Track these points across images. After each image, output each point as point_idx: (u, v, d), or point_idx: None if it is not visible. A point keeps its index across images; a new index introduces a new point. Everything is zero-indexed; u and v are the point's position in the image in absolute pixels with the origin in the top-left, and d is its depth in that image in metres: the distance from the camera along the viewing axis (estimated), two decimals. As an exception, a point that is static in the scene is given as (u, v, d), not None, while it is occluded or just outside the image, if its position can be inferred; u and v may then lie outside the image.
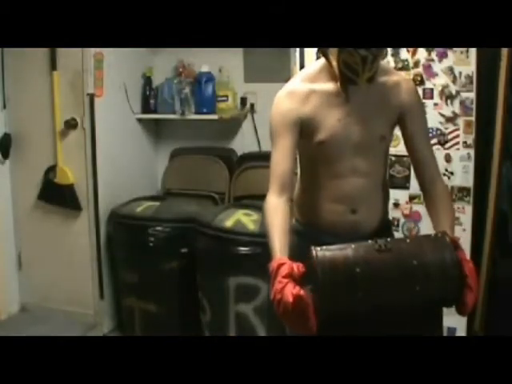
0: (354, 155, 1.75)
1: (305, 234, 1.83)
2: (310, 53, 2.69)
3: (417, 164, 1.79)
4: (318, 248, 1.49)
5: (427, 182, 1.76)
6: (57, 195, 3.32)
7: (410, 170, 2.64)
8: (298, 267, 1.53)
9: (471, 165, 2.62)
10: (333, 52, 1.66)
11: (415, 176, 1.82)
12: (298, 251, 1.82)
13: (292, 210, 1.84)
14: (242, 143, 3.59)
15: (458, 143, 2.62)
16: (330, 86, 1.74)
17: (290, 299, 1.46)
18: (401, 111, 1.76)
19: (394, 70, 1.93)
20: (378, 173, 1.83)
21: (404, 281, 1.45)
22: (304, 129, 1.77)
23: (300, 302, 1.45)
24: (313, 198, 1.83)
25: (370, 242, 1.51)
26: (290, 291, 1.47)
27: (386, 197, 1.89)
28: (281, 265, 1.57)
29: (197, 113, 3.46)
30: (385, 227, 1.87)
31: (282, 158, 1.79)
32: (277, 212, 1.68)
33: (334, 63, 1.67)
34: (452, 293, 1.48)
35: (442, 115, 2.60)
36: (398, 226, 2.71)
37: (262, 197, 3.36)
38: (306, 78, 1.80)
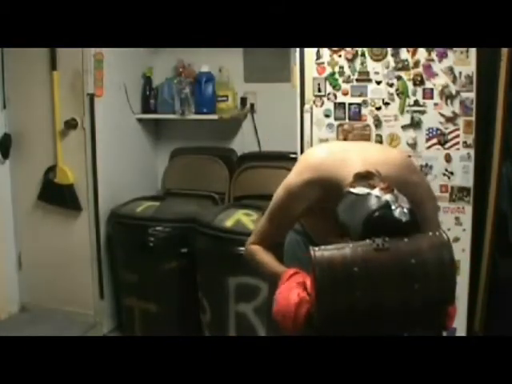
0: None
1: (303, 233, 1.85)
2: (310, 53, 2.69)
3: None
4: (316, 248, 1.49)
5: None
6: (57, 195, 3.32)
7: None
8: (309, 283, 1.52)
9: (471, 165, 2.62)
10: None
11: None
12: (297, 246, 1.84)
13: None
14: (242, 143, 3.59)
15: (458, 143, 2.62)
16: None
17: (296, 299, 1.51)
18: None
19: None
20: None
21: (402, 279, 1.45)
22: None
23: (302, 304, 1.50)
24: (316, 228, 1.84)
25: (367, 241, 1.51)
26: (298, 292, 1.53)
27: None
28: (297, 273, 1.60)
29: (197, 113, 3.46)
30: None
31: (276, 233, 1.76)
32: (263, 251, 1.75)
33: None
34: (449, 292, 1.48)
35: (442, 115, 2.60)
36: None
37: (262, 197, 3.39)
38: (324, 180, 1.61)
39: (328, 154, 1.68)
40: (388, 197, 1.46)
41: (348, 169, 1.58)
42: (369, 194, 1.47)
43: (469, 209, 2.65)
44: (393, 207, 1.44)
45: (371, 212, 1.44)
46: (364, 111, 2.67)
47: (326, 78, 2.70)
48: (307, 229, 1.88)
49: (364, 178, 1.51)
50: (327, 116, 2.70)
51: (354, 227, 1.46)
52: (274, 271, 1.70)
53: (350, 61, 2.64)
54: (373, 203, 1.45)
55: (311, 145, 2.69)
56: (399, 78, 2.61)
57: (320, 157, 1.67)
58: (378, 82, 2.64)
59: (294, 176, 1.67)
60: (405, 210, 1.44)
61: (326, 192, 1.61)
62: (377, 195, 1.46)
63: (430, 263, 1.46)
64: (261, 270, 1.77)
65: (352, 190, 1.50)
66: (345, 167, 1.60)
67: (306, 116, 2.72)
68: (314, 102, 2.73)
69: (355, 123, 2.68)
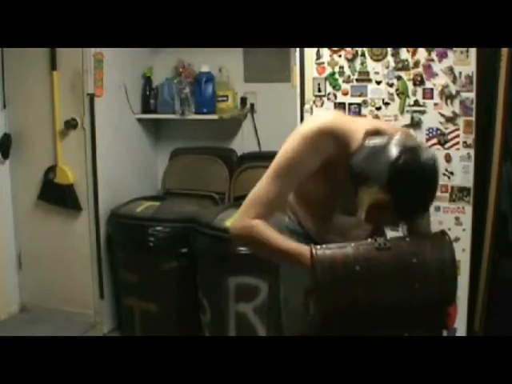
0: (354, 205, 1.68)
1: (301, 234, 1.83)
2: (310, 53, 2.69)
3: None
4: (318, 246, 1.49)
5: None
6: (57, 195, 3.32)
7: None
8: None
9: (471, 165, 2.62)
10: (369, 192, 1.44)
11: None
12: None
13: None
14: (242, 143, 3.59)
15: (458, 143, 2.62)
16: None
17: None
18: None
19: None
20: None
21: (403, 279, 1.45)
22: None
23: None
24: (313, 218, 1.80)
25: (369, 240, 1.52)
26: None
27: None
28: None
29: (197, 113, 3.46)
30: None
31: (283, 196, 1.63)
32: (269, 228, 1.58)
33: (362, 202, 1.46)
34: (450, 292, 1.49)
35: (442, 115, 2.60)
36: (397, 225, 2.71)
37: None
38: (337, 136, 1.57)
39: (337, 114, 1.66)
40: (411, 143, 1.45)
41: (358, 126, 1.57)
42: (389, 142, 1.45)
43: (469, 209, 2.65)
44: (419, 151, 1.43)
45: (397, 157, 1.41)
46: (364, 111, 2.67)
47: (325, 78, 2.70)
48: (304, 224, 1.81)
49: (374, 135, 1.51)
50: (327, 116, 2.70)
51: (378, 176, 1.42)
52: (286, 247, 1.56)
53: (350, 61, 2.65)
54: (397, 149, 1.42)
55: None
56: (399, 78, 2.61)
57: (331, 115, 1.66)
58: (378, 82, 2.64)
59: (308, 126, 1.58)
60: (430, 156, 1.44)
61: (336, 148, 1.55)
62: (399, 142, 1.44)
63: (432, 263, 1.46)
64: (268, 249, 1.58)
65: (369, 141, 1.48)
66: (355, 124, 1.59)
67: (306, 116, 2.72)
68: (314, 101, 2.73)
69: (355, 123, 2.68)
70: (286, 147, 1.59)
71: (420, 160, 1.43)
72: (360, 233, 1.73)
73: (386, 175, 1.40)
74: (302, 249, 1.53)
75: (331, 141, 1.56)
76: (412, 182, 1.41)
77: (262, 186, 1.61)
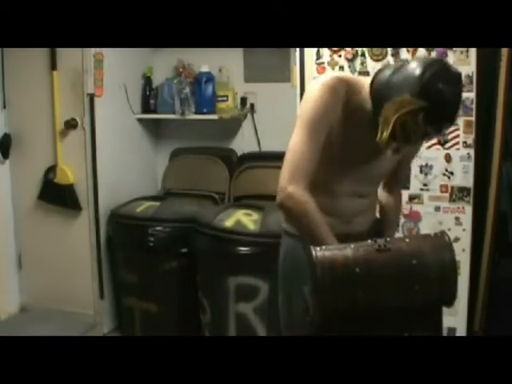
0: (361, 183, 1.77)
1: (299, 237, 1.81)
2: (310, 53, 2.69)
3: (391, 173, 1.85)
4: (318, 248, 1.49)
5: (390, 187, 1.93)
6: (57, 195, 3.32)
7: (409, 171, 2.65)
8: None
9: (471, 165, 2.62)
10: (396, 103, 1.45)
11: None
12: (294, 252, 1.82)
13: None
14: (242, 143, 3.59)
15: (458, 143, 2.62)
16: (364, 116, 1.61)
17: None
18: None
19: None
20: (376, 191, 1.90)
21: (403, 280, 1.45)
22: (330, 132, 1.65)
23: None
24: None
25: (369, 241, 1.51)
26: None
27: (376, 203, 1.94)
28: None
29: (197, 113, 3.46)
30: (374, 226, 1.90)
31: (315, 154, 1.62)
32: (315, 206, 1.59)
33: (389, 116, 1.46)
34: (450, 293, 1.49)
35: (442, 115, 2.60)
36: (398, 226, 2.71)
37: (262, 197, 3.38)
38: (352, 86, 1.64)
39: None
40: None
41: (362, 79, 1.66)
42: (409, 61, 1.51)
43: (469, 209, 2.65)
44: (445, 61, 1.50)
45: (430, 63, 1.45)
46: (364, 111, 2.66)
47: (326, 78, 2.69)
48: None
49: None
50: (327, 116, 2.70)
51: (409, 83, 1.45)
52: (316, 231, 1.58)
53: (350, 61, 2.65)
54: (424, 60, 1.48)
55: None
56: (399, 78, 2.61)
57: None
58: (378, 82, 2.63)
59: (323, 78, 1.64)
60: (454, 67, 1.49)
61: (350, 94, 1.62)
62: (420, 58, 1.50)
63: (431, 264, 1.46)
64: (308, 229, 1.59)
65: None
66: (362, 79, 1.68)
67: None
68: (314, 102, 2.72)
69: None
70: (308, 101, 1.62)
71: (450, 67, 1.49)
72: (364, 221, 1.80)
73: (419, 81, 1.43)
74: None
75: (346, 86, 1.62)
76: (445, 86, 1.45)
77: (298, 147, 1.62)
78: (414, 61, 1.51)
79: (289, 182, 1.59)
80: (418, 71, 1.45)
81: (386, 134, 1.47)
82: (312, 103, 1.61)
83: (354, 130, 1.64)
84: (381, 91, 1.54)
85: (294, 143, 1.63)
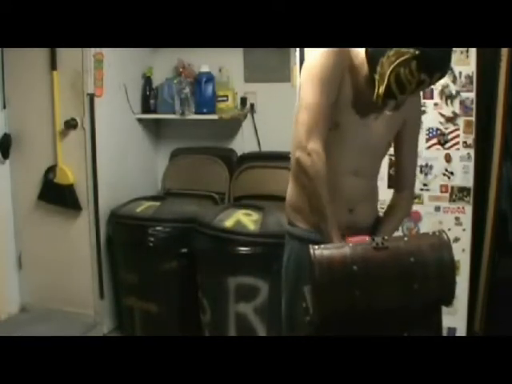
0: (361, 156, 1.77)
1: (307, 239, 1.80)
2: (310, 53, 2.68)
3: (397, 167, 1.90)
4: (316, 246, 1.49)
5: (397, 186, 1.93)
6: (57, 195, 3.32)
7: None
8: None
9: (471, 165, 2.62)
10: (390, 57, 1.54)
11: (394, 173, 1.93)
12: (298, 254, 1.82)
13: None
14: (242, 143, 3.59)
15: (457, 143, 2.62)
16: (363, 81, 1.67)
17: None
18: (404, 120, 1.80)
19: None
20: (376, 174, 1.90)
21: (401, 279, 1.45)
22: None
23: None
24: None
25: (367, 239, 1.52)
26: None
27: (377, 195, 1.96)
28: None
29: (197, 113, 3.46)
30: (376, 223, 1.91)
31: (329, 109, 1.67)
32: (324, 177, 1.64)
33: (383, 70, 1.55)
34: (448, 292, 1.49)
35: (442, 115, 2.61)
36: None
37: (262, 197, 3.38)
38: (348, 53, 1.71)
39: None
40: None
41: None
42: None
43: (469, 209, 2.65)
44: None
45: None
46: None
47: (326, 78, 2.69)
48: (308, 220, 1.81)
49: None
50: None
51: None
52: (323, 209, 1.64)
53: (350, 61, 2.64)
54: None
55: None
56: (399, 78, 2.61)
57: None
58: (378, 82, 2.63)
59: (323, 57, 1.70)
60: None
61: (348, 59, 1.68)
62: None
63: (430, 263, 1.46)
64: (317, 192, 1.64)
65: None
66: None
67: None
68: (314, 102, 2.72)
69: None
70: (316, 58, 1.71)
71: None
72: (366, 210, 1.84)
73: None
74: (330, 225, 1.62)
75: (347, 50, 1.69)
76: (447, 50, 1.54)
77: (312, 102, 1.67)
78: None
79: (308, 138, 1.65)
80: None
81: (382, 89, 1.55)
82: (320, 60, 1.69)
83: (353, 91, 1.70)
84: (374, 50, 1.60)
85: (308, 98, 1.69)
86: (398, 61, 1.52)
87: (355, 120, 1.73)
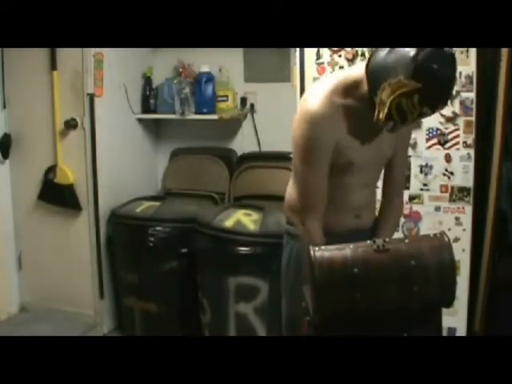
0: (368, 173, 1.84)
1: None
2: (310, 53, 2.69)
3: (387, 175, 1.93)
4: (316, 248, 1.49)
5: (387, 194, 1.96)
6: (57, 195, 3.32)
7: (409, 170, 2.65)
8: None
9: (471, 165, 2.62)
10: (393, 86, 1.51)
11: (382, 180, 1.96)
12: (299, 254, 1.83)
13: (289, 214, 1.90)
14: (242, 143, 3.59)
15: (458, 143, 2.62)
16: (361, 105, 1.67)
17: None
18: (397, 134, 1.79)
19: None
20: (377, 181, 1.96)
21: (402, 281, 1.45)
22: (335, 148, 1.73)
23: None
24: None
25: (368, 242, 1.51)
26: None
27: (376, 198, 2.02)
28: None
29: (197, 113, 3.46)
30: (375, 224, 1.98)
31: (322, 181, 1.72)
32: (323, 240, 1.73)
33: (384, 98, 1.54)
34: (449, 294, 1.48)
35: (442, 115, 2.60)
36: (398, 226, 2.71)
37: (262, 197, 3.38)
38: (340, 91, 1.68)
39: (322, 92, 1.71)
40: None
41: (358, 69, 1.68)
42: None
43: (469, 209, 2.65)
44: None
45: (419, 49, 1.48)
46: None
47: (326, 78, 2.69)
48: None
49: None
50: (327, 116, 2.70)
51: (403, 64, 1.48)
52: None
53: (350, 61, 2.64)
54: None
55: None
56: (399, 78, 2.61)
57: (326, 100, 1.68)
58: (378, 82, 2.63)
59: (315, 98, 1.67)
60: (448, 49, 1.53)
61: (345, 105, 1.66)
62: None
63: (430, 265, 1.46)
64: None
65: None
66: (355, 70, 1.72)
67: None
68: (314, 101, 2.72)
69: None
70: (304, 129, 1.68)
71: (443, 49, 1.51)
72: (369, 214, 1.92)
73: (413, 63, 1.47)
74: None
75: (338, 102, 1.66)
76: (438, 67, 1.49)
77: (308, 179, 1.72)
78: (399, 50, 1.54)
79: (305, 217, 1.75)
80: (411, 53, 1.49)
81: (382, 115, 1.54)
82: (309, 132, 1.67)
83: (355, 121, 1.70)
84: (376, 73, 1.57)
85: (302, 174, 1.73)
86: (399, 91, 1.50)
87: (359, 146, 1.75)
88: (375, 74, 1.58)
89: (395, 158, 1.89)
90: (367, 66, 1.62)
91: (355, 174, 1.79)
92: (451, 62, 1.52)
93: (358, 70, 1.67)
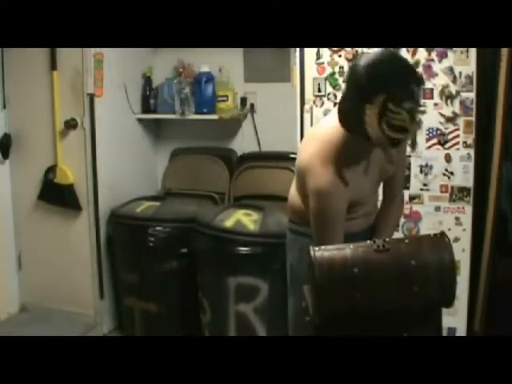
0: (377, 184, 1.92)
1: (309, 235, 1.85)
2: (310, 53, 2.69)
3: (387, 183, 1.96)
4: (316, 248, 1.49)
5: (388, 194, 2.00)
6: (57, 195, 3.32)
7: (409, 170, 2.65)
8: None
9: (471, 165, 2.62)
10: (371, 116, 1.51)
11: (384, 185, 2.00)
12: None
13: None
14: (242, 143, 3.59)
15: (457, 143, 2.62)
16: (351, 150, 1.70)
17: None
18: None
19: None
20: None
21: (402, 281, 1.45)
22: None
23: None
24: None
25: (368, 242, 1.51)
26: None
27: None
28: None
29: (197, 113, 3.46)
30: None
31: (341, 234, 1.75)
32: None
33: (373, 129, 1.52)
34: (449, 294, 1.48)
35: (442, 115, 2.60)
36: (398, 225, 2.71)
37: (262, 197, 3.39)
38: (338, 161, 1.70)
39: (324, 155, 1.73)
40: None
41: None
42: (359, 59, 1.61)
43: (469, 209, 2.65)
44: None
45: (365, 68, 1.53)
46: (364, 111, 2.66)
47: (326, 78, 2.70)
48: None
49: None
50: (327, 116, 2.70)
51: (364, 99, 1.51)
52: None
53: (350, 61, 2.64)
54: (359, 68, 1.55)
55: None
56: (399, 78, 2.61)
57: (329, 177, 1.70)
58: (378, 82, 2.63)
59: (324, 199, 1.71)
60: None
61: (348, 186, 1.71)
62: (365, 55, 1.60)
63: (431, 265, 1.46)
64: None
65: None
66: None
67: (306, 116, 2.73)
68: (314, 101, 2.73)
69: (355, 123, 2.68)
70: (321, 198, 1.72)
71: (382, 52, 1.55)
72: (375, 211, 1.99)
73: (368, 85, 1.51)
74: None
75: (339, 175, 1.69)
76: (388, 69, 1.52)
77: (327, 238, 1.70)
78: (354, 73, 1.56)
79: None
80: (364, 79, 1.51)
81: (389, 143, 1.56)
82: (328, 205, 1.71)
83: (358, 169, 1.76)
84: (348, 120, 1.61)
85: (321, 235, 1.74)
86: (377, 116, 1.50)
87: (366, 184, 1.83)
88: (349, 123, 1.61)
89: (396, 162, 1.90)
90: (340, 120, 1.64)
91: (372, 191, 1.90)
92: (394, 58, 1.56)
93: (333, 122, 1.68)
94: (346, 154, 1.70)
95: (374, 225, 1.99)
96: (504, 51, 2.63)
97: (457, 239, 2.61)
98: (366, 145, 1.64)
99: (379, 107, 1.48)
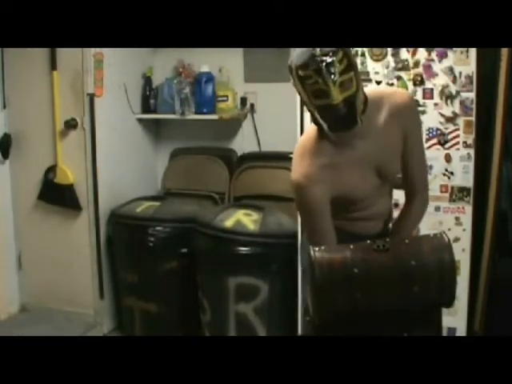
0: (377, 193, 1.84)
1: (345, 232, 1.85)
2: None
3: (405, 176, 1.89)
4: (316, 248, 1.49)
5: (408, 194, 1.93)
6: (57, 195, 3.32)
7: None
8: None
9: (471, 165, 2.62)
10: (301, 94, 1.70)
11: (402, 179, 1.93)
12: None
13: None
14: (242, 143, 3.59)
15: (458, 143, 2.62)
16: (326, 143, 1.73)
17: None
18: (404, 135, 1.79)
19: (384, 93, 1.83)
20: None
21: (402, 281, 1.45)
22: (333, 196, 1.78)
23: None
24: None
25: (368, 242, 1.51)
26: None
27: None
28: None
29: (197, 113, 3.46)
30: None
31: (329, 228, 1.76)
32: None
33: (308, 106, 1.68)
34: (449, 294, 1.48)
35: (442, 115, 2.60)
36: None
37: (262, 197, 3.38)
38: (313, 154, 1.74)
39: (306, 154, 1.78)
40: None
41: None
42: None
43: (469, 209, 2.65)
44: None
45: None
46: (364, 111, 2.66)
47: (326, 78, 2.69)
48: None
49: None
50: (327, 116, 2.70)
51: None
52: None
53: (350, 61, 2.64)
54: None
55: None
56: (399, 78, 2.61)
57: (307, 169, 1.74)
58: (378, 82, 2.63)
59: (302, 193, 1.73)
60: None
61: (329, 179, 1.71)
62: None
63: (430, 266, 1.46)
64: None
65: None
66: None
67: (306, 116, 2.72)
68: (314, 101, 2.72)
69: (355, 123, 2.68)
70: (300, 194, 1.74)
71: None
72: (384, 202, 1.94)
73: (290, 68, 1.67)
74: None
75: (319, 170, 1.72)
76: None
77: (312, 231, 1.78)
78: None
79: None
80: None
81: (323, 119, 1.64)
82: (302, 199, 1.74)
83: (343, 177, 1.74)
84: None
85: (307, 228, 1.81)
86: (301, 88, 1.68)
87: (350, 172, 1.79)
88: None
89: (408, 158, 1.85)
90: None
91: (366, 202, 1.84)
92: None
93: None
94: (321, 148, 1.73)
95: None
96: (504, 51, 2.63)
97: (457, 239, 2.61)
98: (342, 137, 1.68)
99: (297, 79, 1.64)
